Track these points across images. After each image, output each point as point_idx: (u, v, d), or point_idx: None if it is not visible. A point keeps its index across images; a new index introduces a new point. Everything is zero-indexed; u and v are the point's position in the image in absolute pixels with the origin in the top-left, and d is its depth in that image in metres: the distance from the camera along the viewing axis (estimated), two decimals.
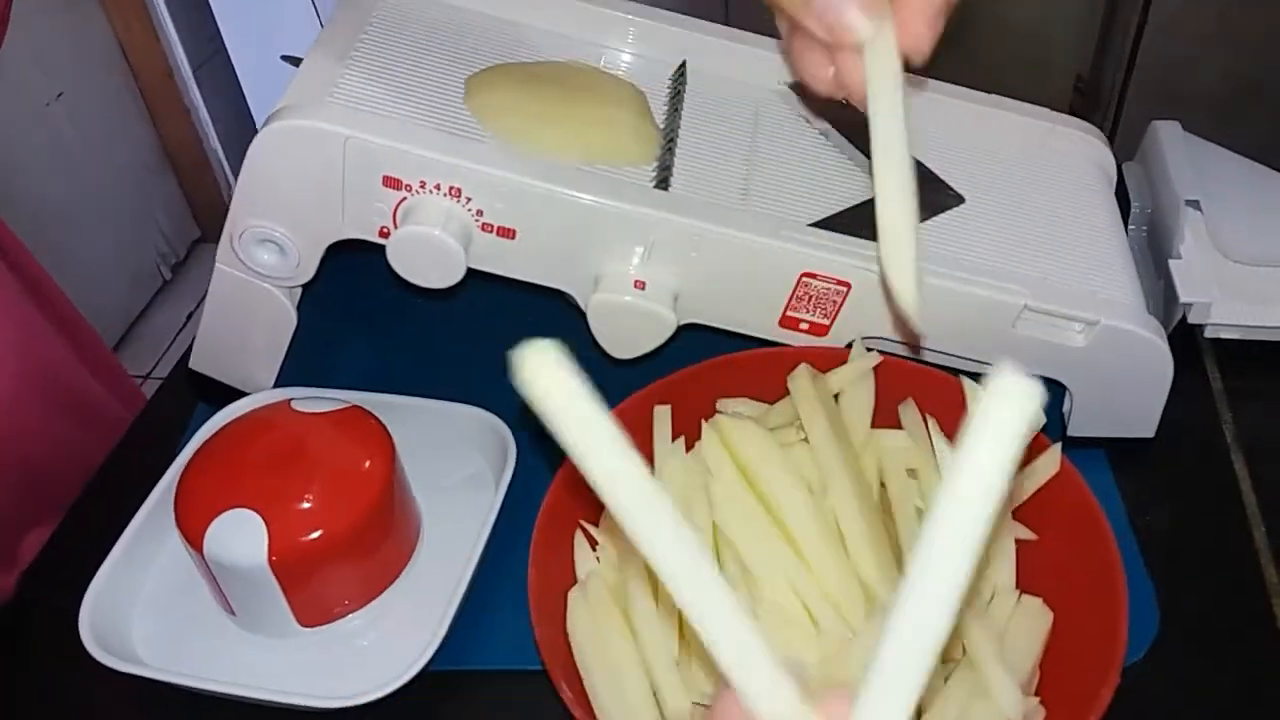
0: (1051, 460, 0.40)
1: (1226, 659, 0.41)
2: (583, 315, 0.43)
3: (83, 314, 0.61)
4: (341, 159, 0.40)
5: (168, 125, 1.58)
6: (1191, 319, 0.49)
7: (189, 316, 1.56)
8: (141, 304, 1.57)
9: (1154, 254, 0.53)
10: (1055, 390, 0.45)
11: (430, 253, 0.40)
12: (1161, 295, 0.51)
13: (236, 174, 0.43)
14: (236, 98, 1.57)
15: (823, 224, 0.43)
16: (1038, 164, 0.48)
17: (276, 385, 0.48)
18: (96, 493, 0.49)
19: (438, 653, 0.38)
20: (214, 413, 0.46)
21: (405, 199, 0.40)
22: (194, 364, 0.49)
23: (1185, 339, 0.50)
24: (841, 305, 0.42)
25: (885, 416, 0.41)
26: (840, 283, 0.42)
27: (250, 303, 0.45)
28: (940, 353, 0.44)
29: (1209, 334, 0.50)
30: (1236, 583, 0.43)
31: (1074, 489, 0.39)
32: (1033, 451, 0.40)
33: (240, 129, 1.61)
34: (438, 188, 0.40)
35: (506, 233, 0.41)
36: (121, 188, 1.51)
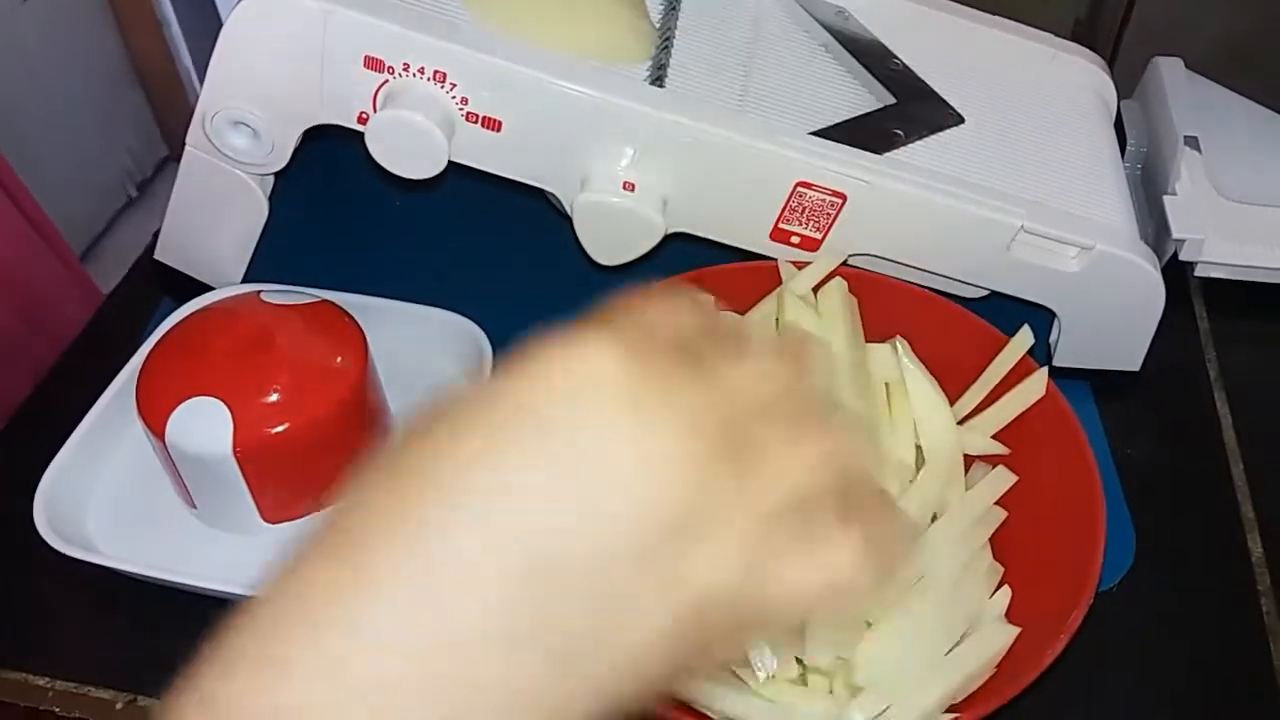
0: (1037, 384, 0.39)
1: (1200, 589, 0.41)
2: (567, 219, 0.41)
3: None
4: (321, 36, 0.38)
5: (137, 38, 1.52)
6: (1183, 256, 0.48)
7: (155, 235, 1.53)
8: (105, 220, 1.53)
9: (1148, 192, 0.52)
10: (1043, 318, 0.44)
11: (411, 140, 0.38)
12: (1154, 232, 0.50)
13: None
14: (210, 12, 1.51)
15: (821, 134, 0.42)
16: (1039, 88, 0.47)
17: (245, 281, 0.46)
18: (55, 384, 0.47)
19: None
20: (179, 307, 0.44)
21: (387, 82, 0.38)
22: (159, 254, 0.47)
23: (1175, 277, 0.49)
24: (835, 219, 0.41)
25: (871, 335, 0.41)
26: (836, 194, 0.40)
27: (220, 189, 0.43)
28: (932, 273, 0.43)
29: (1199, 273, 0.50)
30: (1213, 516, 0.43)
31: (1059, 414, 0.39)
32: (1018, 374, 0.40)
33: (213, 45, 1.55)
34: (421, 71, 0.38)
35: (492, 124, 0.39)
36: (88, 101, 1.46)
